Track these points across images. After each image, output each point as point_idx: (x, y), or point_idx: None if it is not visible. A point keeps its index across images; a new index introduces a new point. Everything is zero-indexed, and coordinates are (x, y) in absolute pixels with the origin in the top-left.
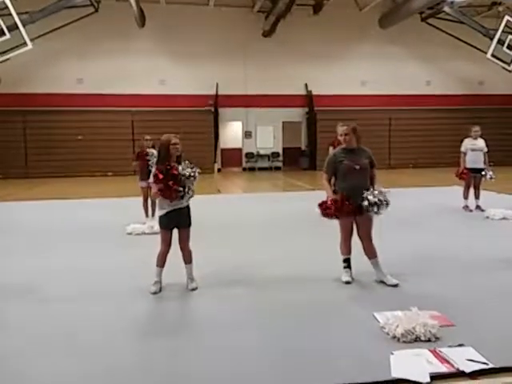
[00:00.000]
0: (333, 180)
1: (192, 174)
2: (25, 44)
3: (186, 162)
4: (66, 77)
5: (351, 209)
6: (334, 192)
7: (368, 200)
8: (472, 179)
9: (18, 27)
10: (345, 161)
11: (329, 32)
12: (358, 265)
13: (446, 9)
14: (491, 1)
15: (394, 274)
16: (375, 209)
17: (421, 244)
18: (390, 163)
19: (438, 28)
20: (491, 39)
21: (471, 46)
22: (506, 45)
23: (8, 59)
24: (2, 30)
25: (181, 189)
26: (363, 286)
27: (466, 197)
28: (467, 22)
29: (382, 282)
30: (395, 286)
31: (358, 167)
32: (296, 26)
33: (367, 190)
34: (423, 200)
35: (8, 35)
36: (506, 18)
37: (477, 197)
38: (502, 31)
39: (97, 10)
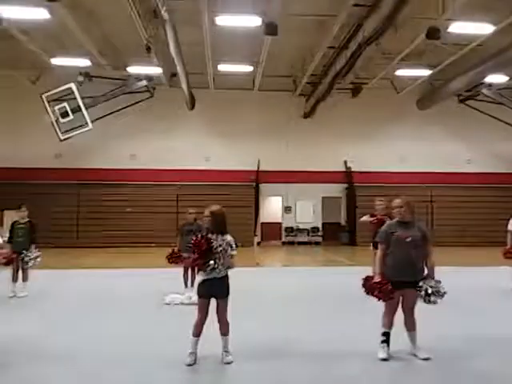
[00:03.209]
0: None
1: (220, 250)
2: (86, 124)
3: (225, 235)
4: (121, 153)
5: (392, 291)
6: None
7: (425, 290)
8: None
9: (80, 109)
10: (397, 232)
11: (367, 113)
12: (396, 341)
13: (485, 91)
14: None
15: (440, 355)
16: (431, 299)
17: (467, 325)
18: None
19: (476, 109)
20: None
21: (511, 125)
22: None
23: (70, 137)
24: (67, 111)
25: (211, 262)
26: (401, 365)
27: None
28: (506, 104)
29: (414, 355)
30: (427, 359)
31: (409, 240)
32: (335, 107)
33: (425, 278)
34: (469, 279)
35: (71, 116)
36: None
37: None
38: None
39: (152, 95)
